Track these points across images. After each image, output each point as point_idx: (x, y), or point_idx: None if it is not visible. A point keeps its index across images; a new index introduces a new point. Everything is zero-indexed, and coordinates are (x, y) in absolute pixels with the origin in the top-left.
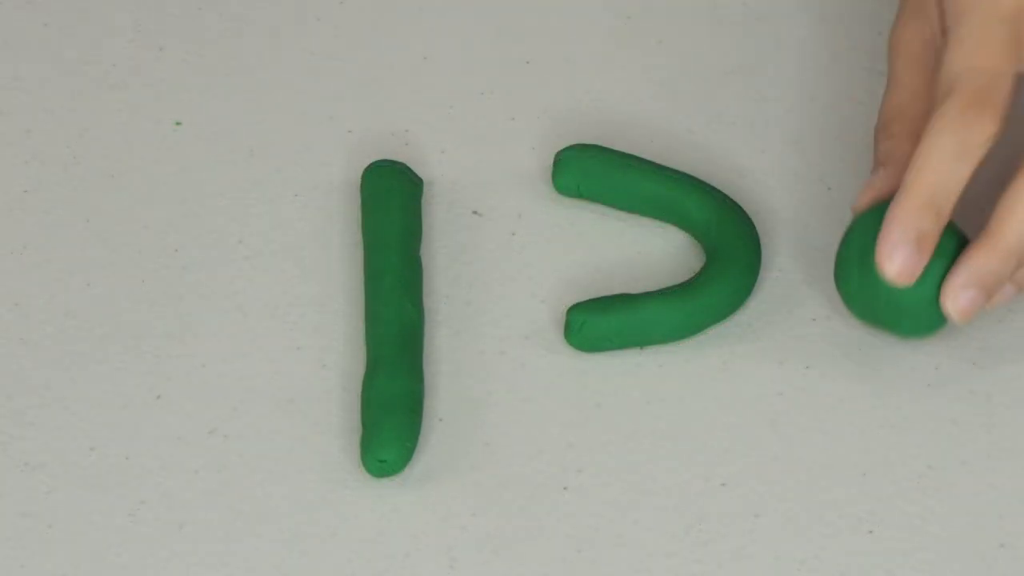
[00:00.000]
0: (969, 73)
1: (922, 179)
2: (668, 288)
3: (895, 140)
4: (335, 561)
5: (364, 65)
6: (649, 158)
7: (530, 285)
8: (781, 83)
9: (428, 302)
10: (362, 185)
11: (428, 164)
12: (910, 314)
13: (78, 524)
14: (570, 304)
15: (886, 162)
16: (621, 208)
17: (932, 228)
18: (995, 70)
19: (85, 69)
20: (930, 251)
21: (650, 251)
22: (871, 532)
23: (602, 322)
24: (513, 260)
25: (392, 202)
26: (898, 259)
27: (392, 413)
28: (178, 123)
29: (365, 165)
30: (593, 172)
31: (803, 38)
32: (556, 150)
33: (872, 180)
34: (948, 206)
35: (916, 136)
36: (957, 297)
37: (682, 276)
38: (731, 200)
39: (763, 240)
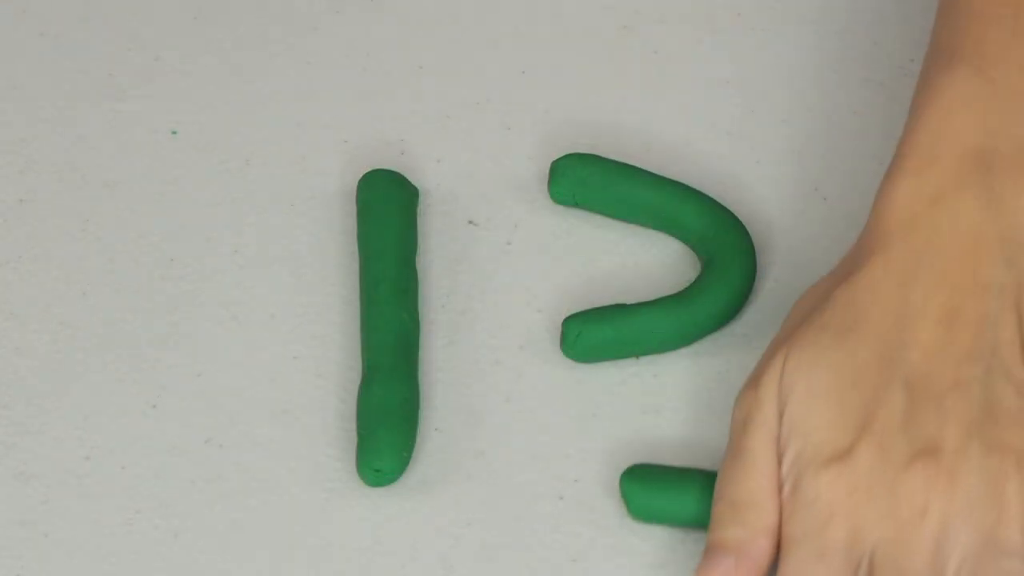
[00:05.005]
0: None
1: None
2: (664, 298)
3: (748, 529)
4: (331, 570)
5: (360, 75)
6: (645, 167)
7: (526, 294)
8: (776, 93)
9: (424, 311)
10: (358, 194)
11: (424, 173)
12: None
13: (74, 533)
14: (566, 313)
15: (736, 552)
16: (617, 217)
17: None
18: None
19: (81, 78)
20: None
21: (646, 260)
22: None
23: (598, 332)
24: (509, 269)
25: (388, 211)
26: None
27: (388, 422)
28: (174, 132)
29: (361, 174)
30: (589, 181)
31: (798, 48)
32: (552, 159)
33: (718, 569)
34: None
35: (771, 532)
36: None
37: (678, 285)
38: (726, 209)
39: (758, 250)
